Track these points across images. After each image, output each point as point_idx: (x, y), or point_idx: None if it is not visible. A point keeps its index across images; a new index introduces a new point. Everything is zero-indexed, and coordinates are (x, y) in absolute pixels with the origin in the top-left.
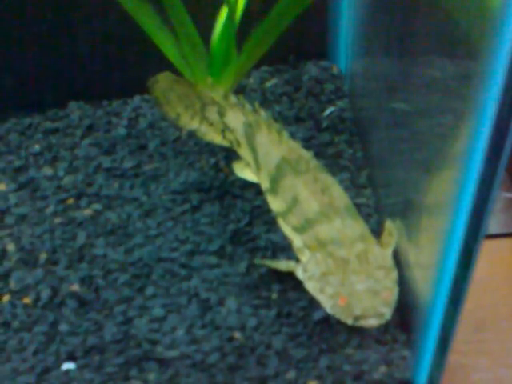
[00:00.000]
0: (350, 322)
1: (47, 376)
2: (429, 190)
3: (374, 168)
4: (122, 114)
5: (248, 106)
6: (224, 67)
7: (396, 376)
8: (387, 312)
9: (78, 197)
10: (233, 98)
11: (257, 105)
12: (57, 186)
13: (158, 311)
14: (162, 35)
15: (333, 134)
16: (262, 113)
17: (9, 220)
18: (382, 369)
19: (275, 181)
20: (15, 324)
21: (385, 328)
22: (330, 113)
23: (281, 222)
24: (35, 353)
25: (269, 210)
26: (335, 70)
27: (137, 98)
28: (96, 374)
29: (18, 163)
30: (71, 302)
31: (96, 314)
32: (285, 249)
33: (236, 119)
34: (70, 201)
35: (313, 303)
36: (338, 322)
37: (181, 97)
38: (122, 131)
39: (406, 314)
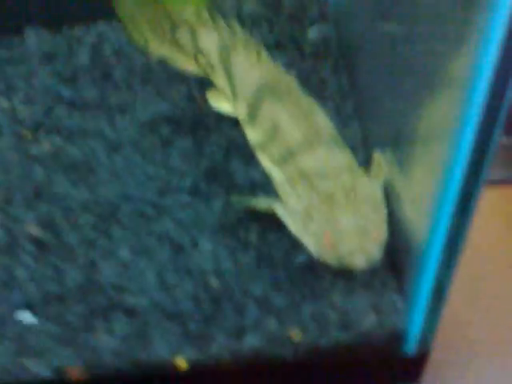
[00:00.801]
0: (335, 262)
1: (0, 327)
2: (424, 120)
3: (362, 98)
4: (84, 40)
5: (223, 23)
6: None
7: (386, 325)
8: (377, 251)
9: (36, 130)
10: (205, 14)
11: (233, 21)
12: (11, 118)
13: (124, 255)
14: None
15: (316, 60)
16: (239, 30)
17: None
18: (371, 317)
19: (253, 108)
20: None
21: (373, 272)
22: (315, 33)
23: (260, 155)
24: None
25: (247, 144)
26: None
27: (101, 23)
28: (56, 325)
29: None
30: (28, 245)
31: (56, 258)
32: (265, 186)
33: (209, 40)
34: (27, 134)
35: (295, 245)
36: (323, 265)
37: (149, 19)
38: (84, 59)
39: (396, 256)
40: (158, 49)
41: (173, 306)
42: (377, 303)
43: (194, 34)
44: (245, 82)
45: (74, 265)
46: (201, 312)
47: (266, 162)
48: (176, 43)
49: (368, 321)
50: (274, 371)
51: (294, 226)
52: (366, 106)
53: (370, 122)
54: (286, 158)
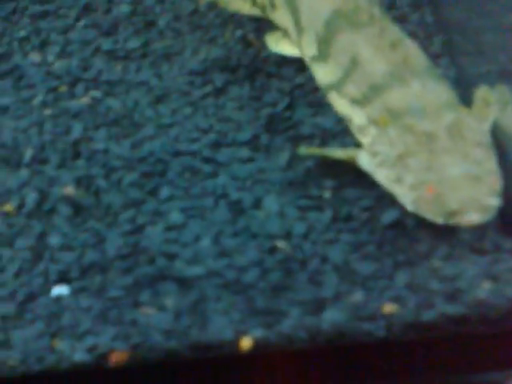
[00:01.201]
0: (441, 219)
1: (32, 304)
2: None
3: (451, 33)
4: None
5: None
6: None
7: (508, 294)
8: (494, 203)
9: (73, 84)
10: None
11: None
12: (46, 72)
13: (175, 217)
14: None
15: (400, 9)
16: None
17: None
18: (486, 285)
19: (325, 42)
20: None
21: (481, 232)
22: None
23: (334, 97)
24: (17, 274)
25: (314, 89)
26: None
27: None
28: (96, 300)
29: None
30: (64, 208)
31: (96, 222)
32: (338, 135)
33: None
34: (63, 88)
35: (381, 201)
36: (419, 224)
37: None
38: (125, 9)
39: (508, 212)
40: None
41: (234, 275)
42: (490, 269)
43: None
44: (314, 15)
45: (117, 230)
46: (268, 282)
47: (342, 103)
48: None
49: (482, 289)
50: (360, 353)
51: (383, 176)
52: (458, 42)
53: (465, 59)
54: (371, 96)
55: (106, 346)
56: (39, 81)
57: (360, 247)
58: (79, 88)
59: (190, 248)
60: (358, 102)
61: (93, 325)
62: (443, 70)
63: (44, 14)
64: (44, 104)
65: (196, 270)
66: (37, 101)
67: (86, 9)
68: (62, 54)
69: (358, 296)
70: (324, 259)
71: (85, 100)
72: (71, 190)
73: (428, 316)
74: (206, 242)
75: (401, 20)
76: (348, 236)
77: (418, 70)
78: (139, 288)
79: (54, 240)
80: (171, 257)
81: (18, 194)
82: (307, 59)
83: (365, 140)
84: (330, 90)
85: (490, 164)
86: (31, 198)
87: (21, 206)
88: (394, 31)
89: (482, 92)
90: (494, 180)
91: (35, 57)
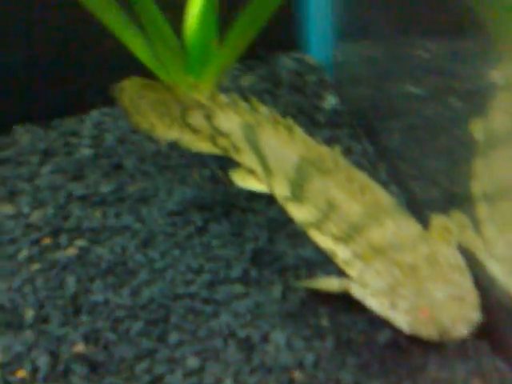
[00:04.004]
0: (435, 335)
1: None
2: (481, 175)
3: (393, 161)
4: (80, 132)
5: (244, 105)
6: (204, 63)
7: None
8: (476, 316)
9: (55, 234)
10: (222, 98)
11: (254, 101)
12: (24, 224)
13: (191, 362)
14: (129, 32)
15: (333, 128)
16: (263, 109)
17: None
18: (476, 382)
19: (298, 186)
20: None
21: (463, 341)
22: (332, 106)
23: (314, 234)
24: None
25: (289, 221)
26: (311, 61)
27: (94, 113)
28: None
29: None
30: (78, 367)
31: (114, 377)
32: (321, 264)
33: (230, 121)
34: (46, 240)
35: (373, 324)
36: (411, 340)
37: (154, 104)
38: (86, 152)
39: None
40: (167, 133)
41: None
42: (477, 369)
43: (210, 116)
44: (281, 161)
45: (137, 382)
46: None
47: (323, 240)
48: (188, 126)
49: None
50: None
51: (377, 304)
52: (402, 168)
53: (412, 184)
54: (351, 234)
55: None
56: (20, 234)
57: (365, 367)
58: (63, 238)
59: None
60: (340, 239)
61: None
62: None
63: (4, 162)
64: (30, 258)
65: None
66: (22, 256)
67: (46, 153)
68: (35, 203)
69: None
70: (337, 382)
71: (71, 251)
72: (81, 347)
73: None
74: (229, 382)
75: (346, 152)
76: (352, 359)
77: (388, 209)
78: None
79: None
80: None
81: (29, 358)
82: (280, 198)
83: (352, 272)
84: (308, 227)
85: (467, 283)
86: (43, 361)
87: (35, 371)
88: (360, 175)
89: (439, 220)
90: (473, 297)
91: (8, 209)
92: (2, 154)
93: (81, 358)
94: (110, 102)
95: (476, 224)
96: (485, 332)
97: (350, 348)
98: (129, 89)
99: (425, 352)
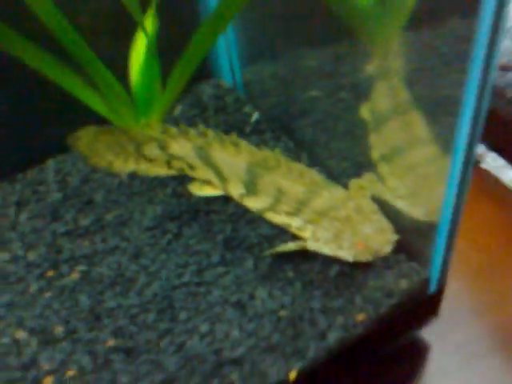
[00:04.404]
0: (371, 257)
1: None
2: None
3: (310, 149)
4: (45, 180)
5: (193, 132)
6: (151, 105)
7: (415, 281)
8: (393, 239)
9: (55, 266)
10: (173, 130)
11: (201, 127)
12: (25, 265)
13: (203, 327)
14: (82, 89)
15: (258, 135)
16: (211, 132)
17: None
18: (404, 281)
19: (251, 184)
20: None
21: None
22: (256, 118)
23: (270, 215)
24: None
25: (245, 212)
26: (224, 84)
27: (50, 162)
28: None
29: None
30: (115, 356)
31: (146, 355)
32: (277, 237)
33: (183, 147)
34: (49, 273)
35: (324, 264)
36: (352, 267)
37: (109, 145)
38: (56, 196)
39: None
40: (124, 166)
41: (265, 341)
42: (400, 273)
43: (164, 146)
44: (233, 168)
45: (165, 353)
46: (287, 335)
47: (278, 217)
48: (143, 157)
49: (405, 282)
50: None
51: (329, 249)
52: (318, 153)
53: (329, 163)
54: (299, 208)
55: None
56: (24, 273)
57: (326, 294)
58: (63, 268)
59: (227, 341)
60: (292, 214)
61: None
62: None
63: None
64: (41, 290)
65: (240, 351)
66: (33, 289)
67: (20, 204)
68: (26, 246)
69: (341, 316)
70: (311, 310)
71: (74, 275)
72: (112, 342)
73: (382, 311)
74: (235, 333)
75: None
76: (317, 291)
77: (320, 183)
78: (212, 377)
79: (122, 380)
80: (218, 352)
81: (73, 361)
82: (236, 197)
83: (305, 234)
84: (264, 212)
85: (382, 220)
86: (85, 360)
87: (81, 369)
88: (295, 165)
89: (355, 182)
90: (388, 227)
91: (4, 255)
92: None
93: (114, 349)
94: (63, 149)
95: (381, 179)
96: (400, 247)
97: (312, 285)
98: (84, 136)
99: (363, 272)
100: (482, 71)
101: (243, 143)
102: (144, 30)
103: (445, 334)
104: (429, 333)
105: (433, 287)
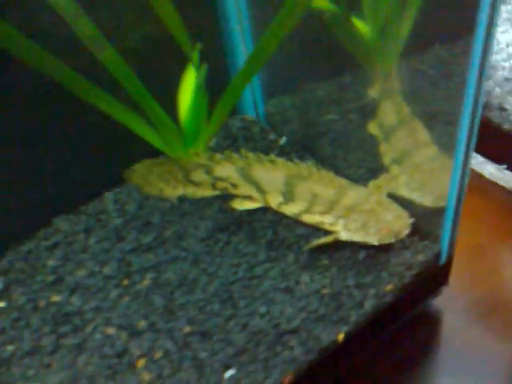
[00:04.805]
0: (393, 240)
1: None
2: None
3: (331, 164)
4: (106, 209)
5: (235, 156)
6: (197, 136)
7: (430, 254)
8: (410, 223)
9: (128, 276)
10: (218, 156)
11: (243, 151)
12: (102, 278)
13: (261, 310)
14: (139, 125)
15: (285, 156)
16: (250, 154)
17: (88, 315)
18: (419, 257)
19: (288, 193)
20: (166, 372)
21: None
22: (284, 142)
23: (306, 217)
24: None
25: (281, 218)
26: (249, 118)
27: (108, 194)
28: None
29: (50, 278)
30: (194, 338)
31: (219, 335)
32: (311, 235)
33: (227, 170)
34: (124, 282)
35: (353, 251)
36: (376, 251)
37: (161, 174)
38: (117, 221)
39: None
40: (173, 192)
41: (313, 316)
42: (418, 249)
43: (210, 170)
44: (273, 182)
45: (237, 328)
46: (330, 307)
47: (313, 218)
48: (191, 182)
49: (421, 256)
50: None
51: (359, 236)
52: (337, 166)
53: (348, 172)
54: (331, 207)
55: None
56: (102, 284)
57: (358, 275)
58: (135, 277)
59: (283, 316)
60: (325, 212)
61: None
62: None
63: (56, 245)
64: (120, 296)
65: (294, 323)
66: (113, 295)
67: (87, 231)
68: (99, 263)
69: (359, 292)
70: (347, 286)
71: (146, 282)
72: (188, 329)
73: (405, 280)
74: (289, 310)
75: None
76: (349, 272)
77: (347, 186)
78: (274, 345)
79: (202, 355)
80: (276, 325)
81: (157, 346)
82: (275, 206)
83: (337, 228)
84: (301, 215)
85: (399, 209)
86: (168, 344)
87: (166, 351)
88: (325, 173)
89: (373, 182)
90: (405, 214)
91: (82, 272)
92: (50, 240)
93: (191, 333)
94: (118, 182)
95: (394, 178)
96: (413, 231)
97: (345, 268)
98: (139, 169)
99: (386, 253)
100: (476, 87)
101: (279, 160)
102: (196, 67)
103: (454, 300)
104: (440, 300)
105: (443, 258)
